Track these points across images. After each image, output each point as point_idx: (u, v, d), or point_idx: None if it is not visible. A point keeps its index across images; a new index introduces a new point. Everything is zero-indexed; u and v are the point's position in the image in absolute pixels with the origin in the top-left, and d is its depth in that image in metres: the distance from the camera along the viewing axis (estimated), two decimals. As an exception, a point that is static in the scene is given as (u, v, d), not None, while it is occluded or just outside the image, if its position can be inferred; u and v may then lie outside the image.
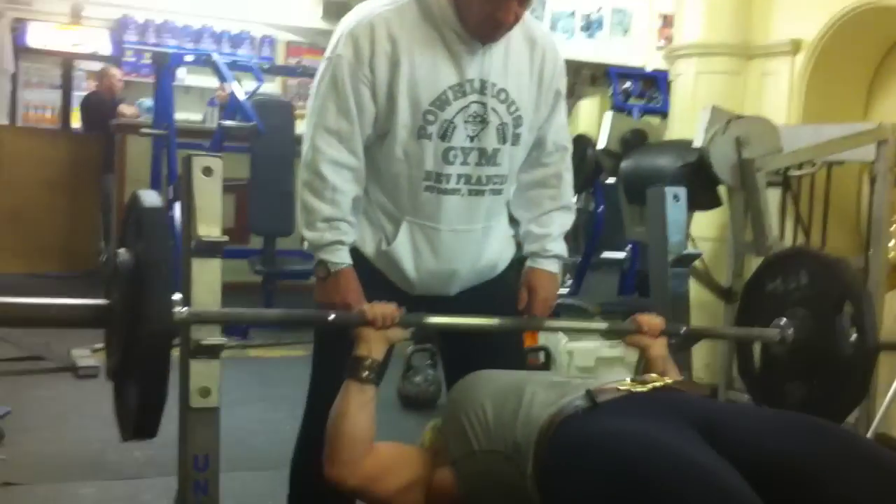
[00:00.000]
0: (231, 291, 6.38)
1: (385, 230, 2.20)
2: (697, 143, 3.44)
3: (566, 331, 2.31)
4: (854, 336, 2.15)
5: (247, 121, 6.27)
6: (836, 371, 2.17)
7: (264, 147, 6.65)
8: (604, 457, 1.45)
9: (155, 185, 6.92)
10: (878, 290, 3.65)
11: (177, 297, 1.77)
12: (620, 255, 5.66)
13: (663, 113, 5.74)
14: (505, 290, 2.35)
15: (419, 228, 2.18)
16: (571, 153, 2.39)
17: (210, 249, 1.94)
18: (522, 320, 2.29)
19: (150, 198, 1.75)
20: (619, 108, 6.99)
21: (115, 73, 8.59)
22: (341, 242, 2.14)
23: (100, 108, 8.21)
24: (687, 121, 4.68)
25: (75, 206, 8.20)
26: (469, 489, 1.83)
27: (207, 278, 1.94)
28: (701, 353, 4.58)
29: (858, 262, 3.80)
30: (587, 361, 4.03)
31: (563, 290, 5.18)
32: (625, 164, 3.92)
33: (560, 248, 2.36)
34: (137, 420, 1.66)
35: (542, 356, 4.17)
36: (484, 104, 2.12)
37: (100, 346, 5.53)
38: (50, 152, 8.15)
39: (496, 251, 2.31)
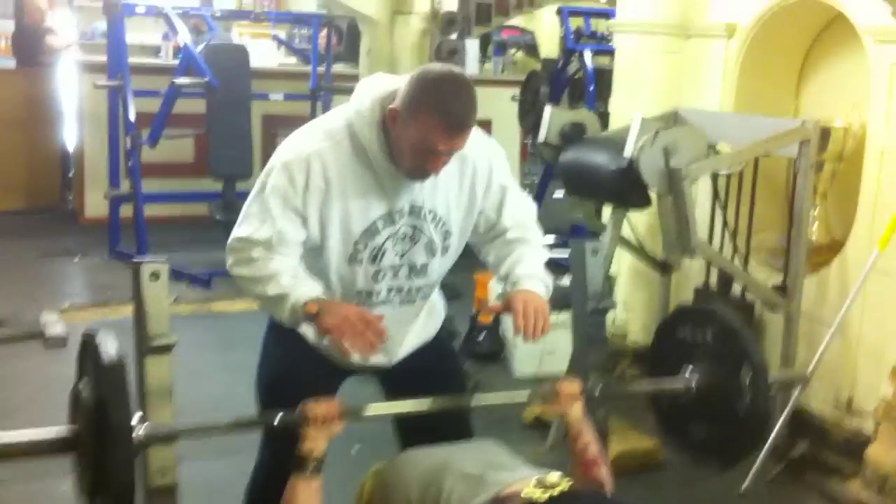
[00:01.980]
0: (193, 224, 6.61)
1: None
2: (627, 153, 3.62)
3: (492, 407, 2.50)
4: (748, 397, 2.39)
5: (201, 75, 6.33)
6: (732, 424, 2.43)
7: (220, 92, 6.70)
8: None
9: (113, 133, 7.02)
10: (799, 273, 3.91)
11: (134, 420, 1.95)
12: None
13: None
14: (441, 346, 2.57)
15: None
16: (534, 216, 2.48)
17: (160, 348, 2.16)
18: (451, 398, 2.41)
19: (107, 350, 1.91)
20: (571, 49, 7.13)
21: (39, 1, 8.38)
22: (304, 280, 2.22)
23: (29, 40, 8.13)
24: (628, 95, 4.86)
25: (34, 144, 8.27)
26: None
27: (159, 373, 2.17)
28: (638, 318, 4.89)
29: (783, 242, 4.06)
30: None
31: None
32: (564, 157, 4.11)
33: (536, 270, 2.38)
34: None
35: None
36: (413, 226, 2.27)
37: (66, 305, 5.76)
38: (4, 91, 8.14)
39: (432, 327, 2.51)
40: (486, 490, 1.98)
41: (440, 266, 2.39)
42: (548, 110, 4.16)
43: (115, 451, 1.84)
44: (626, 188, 3.73)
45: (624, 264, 4.78)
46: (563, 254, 6.61)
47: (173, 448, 2.21)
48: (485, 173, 2.33)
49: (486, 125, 9.04)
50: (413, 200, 2.26)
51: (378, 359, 2.41)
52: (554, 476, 2.02)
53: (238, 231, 2.25)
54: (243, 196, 6.89)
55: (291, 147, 2.22)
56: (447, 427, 2.47)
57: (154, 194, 7.10)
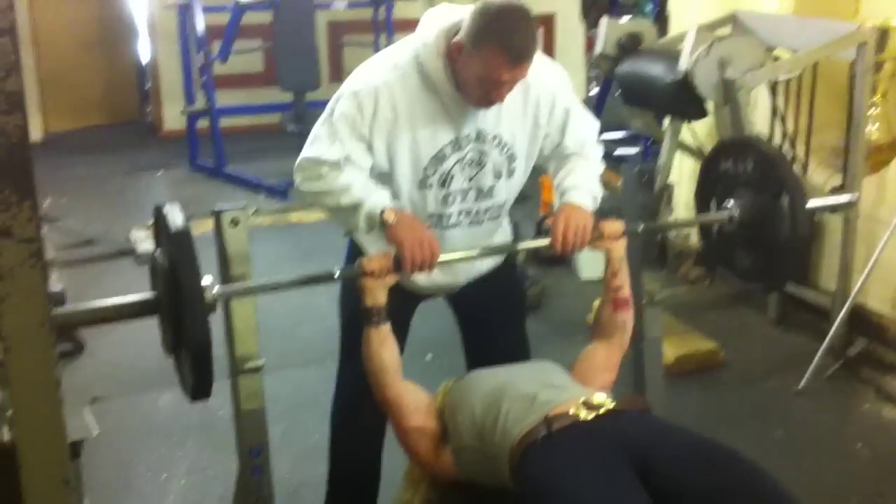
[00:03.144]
0: (266, 134, 6.87)
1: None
2: (682, 66, 3.68)
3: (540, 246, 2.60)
4: (788, 222, 2.48)
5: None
6: (774, 249, 2.55)
7: (284, 5, 6.83)
8: None
9: (184, 48, 7.22)
10: (857, 176, 3.97)
11: (207, 280, 2.10)
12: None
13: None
14: (505, 272, 2.71)
15: None
16: (597, 130, 2.57)
17: (242, 291, 2.37)
18: (496, 246, 2.58)
19: (174, 218, 2.07)
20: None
21: None
22: (376, 189, 2.32)
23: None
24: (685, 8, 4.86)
25: (111, 64, 8.56)
26: (465, 473, 2.34)
27: (243, 312, 2.39)
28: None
29: (844, 143, 4.10)
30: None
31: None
32: (621, 69, 4.18)
33: (584, 180, 2.46)
34: (194, 385, 2.07)
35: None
36: (479, 151, 2.38)
37: (152, 221, 6.05)
38: (81, 13, 8.38)
39: (497, 257, 2.66)
40: (539, 409, 2.18)
41: (507, 188, 2.50)
42: (603, 21, 4.21)
43: (190, 310, 1.97)
44: (683, 100, 3.81)
45: (686, 168, 4.86)
46: (631, 150, 6.77)
47: (260, 375, 2.43)
48: (549, 99, 2.43)
49: (550, 19, 9.04)
50: (479, 127, 2.37)
51: (446, 279, 2.58)
52: (600, 396, 2.21)
53: (307, 151, 2.37)
54: (313, 107, 7.22)
55: (361, 77, 2.33)
56: (507, 346, 2.69)
57: (228, 108, 7.32)
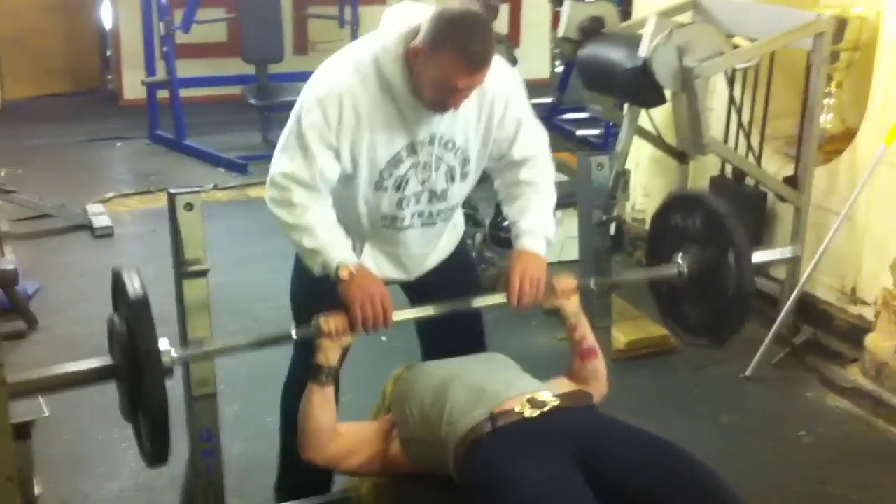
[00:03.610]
0: (227, 105, 6.77)
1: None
2: (642, 53, 3.70)
3: (491, 307, 2.66)
4: (734, 278, 2.55)
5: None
6: (721, 305, 2.62)
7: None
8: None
9: (146, 15, 7.14)
10: (809, 166, 4.03)
11: (164, 344, 2.14)
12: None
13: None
14: (459, 257, 2.74)
15: (380, 251, 2.55)
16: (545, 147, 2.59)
17: (196, 272, 2.38)
18: (456, 301, 2.58)
19: (133, 285, 2.11)
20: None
21: None
22: (344, 242, 2.41)
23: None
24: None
25: (74, 29, 8.43)
26: (415, 462, 2.38)
27: (197, 294, 2.40)
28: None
29: (798, 130, 4.15)
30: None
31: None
32: (583, 53, 4.19)
33: (538, 224, 2.51)
34: (151, 452, 2.15)
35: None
36: (433, 155, 2.41)
37: (110, 194, 6.02)
38: (44, -23, 8.26)
39: (452, 243, 2.69)
40: (485, 404, 2.22)
41: (460, 190, 2.54)
42: (566, 4, 4.22)
43: (146, 377, 2.04)
44: (641, 87, 3.83)
45: (644, 152, 4.91)
46: (594, 130, 6.82)
47: (211, 361, 2.44)
48: (501, 105, 2.46)
49: (517, -1, 9.04)
50: (433, 131, 2.39)
51: (399, 275, 2.62)
52: (545, 394, 2.25)
53: (280, 164, 2.37)
54: (276, 79, 7.12)
55: (324, 82, 2.35)
56: (461, 335, 2.73)
57: (189, 78, 7.26)
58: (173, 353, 2.20)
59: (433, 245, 2.62)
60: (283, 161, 2.36)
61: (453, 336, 2.71)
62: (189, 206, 2.37)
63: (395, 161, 2.38)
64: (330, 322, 2.33)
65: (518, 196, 2.55)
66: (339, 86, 2.31)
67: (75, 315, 4.35)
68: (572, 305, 2.55)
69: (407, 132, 2.36)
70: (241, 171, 6.54)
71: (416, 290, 2.74)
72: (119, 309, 2.20)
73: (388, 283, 2.66)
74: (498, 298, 2.53)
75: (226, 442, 2.58)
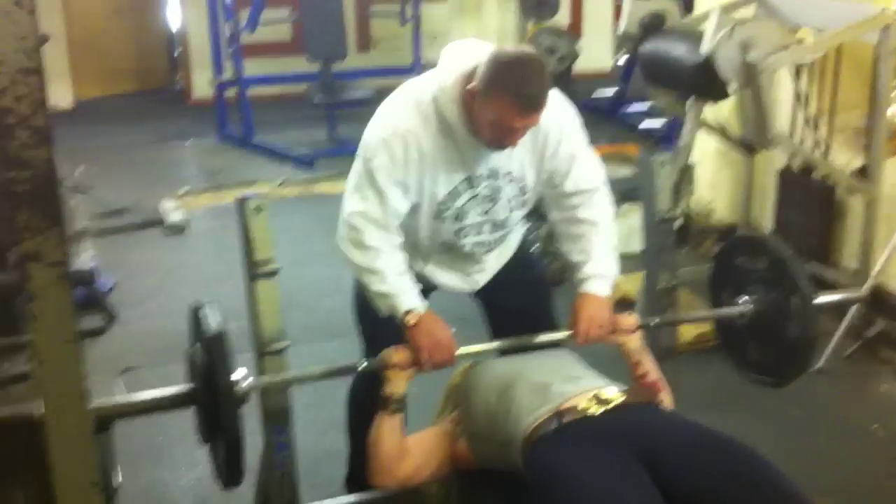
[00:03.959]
0: (293, 103, 6.86)
1: (415, 260, 2.61)
2: (704, 49, 3.70)
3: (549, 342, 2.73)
4: (797, 325, 2.59)
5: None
6: (783, 347, 2.66)
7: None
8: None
9: (213, 16, 7.28)
10: (880, 159, 3.99)
11: (240, 373, 2.25)
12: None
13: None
14: (521, 256, 2.79)
15: (443, 268, 2.65)
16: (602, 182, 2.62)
17: (267, 273, 2.45)
18: (520, 338, 2.62)
19: (212, 321, 2.22)
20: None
21: None
22: (412, 289, 2.46)
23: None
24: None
25: (140, 30, 8.63)
26: (481, 459, 2.42)
27: (268, 295, 2.47)
28: (723, 196, 5.01)
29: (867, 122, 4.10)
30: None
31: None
32: (643, 49, 4.19)
33: (602, 267, 2.56)
34: (227, 476, 2.25)
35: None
36: (493, 187, 2.48)
37: (183, 190, 6.16)
38: (111, -20, 8.46)
39: (512, 248, 2.74)
40: (551, 401, 2.25)
41: (519, 215, 2.62)
42: (627, 1, 4.22)
43: (224, 410, 2.17)
44: (704, 82, 3.83)
45: (709, 146, 4.88)
46: (657, 122, 6.83)
47: (285, 355, 2.51)
48: (556, 138, 2.50)
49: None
50: (491, 165, 2.47)
51: (465, 286, 2.72)
52: (610, 391, 2.27)
53: (352, 204, 2.45)
54: (340, 77, 7.21)
55: (388, 124, 2.42)
56: (533, 318, 2.77)
57: (255, 77, 7.39)
58: (248, 383, 2.29)
59: (495, 262, 2.71)
60: (355, 201, 2.44)
61: (525, 317, 2.76)
62: (258, 209, 2.44)
63: (454, 194, 2.47)
64: (398, 354, 2.41)
65: (579, 237, 2.60)
66: (403, 126, 2.39)
67: (151, 310, 4.47)
68: (634, 342, 2.59)
69: (465, 167, 2.44)
70: (308, 167, 6.64)
71: (484, 296, 2.81)
72: (199, 341, 2.30)
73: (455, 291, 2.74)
74: (563, 335, 2.61)
75: (298, 433, 2.65)
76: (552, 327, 2.84)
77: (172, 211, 5.70)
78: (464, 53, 2.39)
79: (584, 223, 2.59)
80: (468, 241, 2.56)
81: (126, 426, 3.05)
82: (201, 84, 7.99)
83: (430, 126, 2.39)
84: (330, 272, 4.81)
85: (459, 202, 2.48)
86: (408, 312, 2.42)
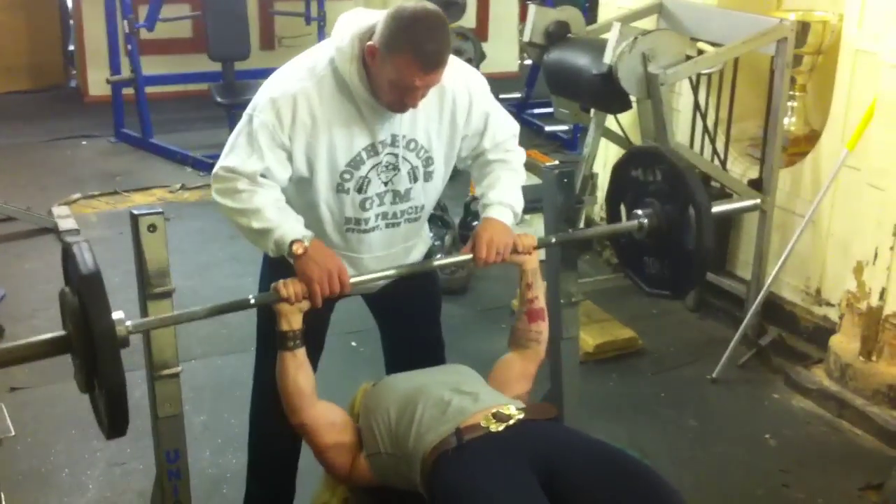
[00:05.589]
0: (194, 102, 6.68)
1: None
2: (606, 60, 3.72)
3: (450, 265, 2.64)
4: (693, 233, 2.57)
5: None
6: (680, 259, 2.65)
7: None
8: None
9: (110, 11, 7.06)
10: (773, 170, 4.07)
11: (118, 314, 2.09)
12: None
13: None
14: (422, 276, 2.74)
15: (344, 257, 2.47)
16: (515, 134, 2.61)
17: (162, 294, 2.37)
18: (415, 264, 2.61)
19: (85, 259, 2.06)
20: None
21: None
22: (295, 219, 2.37)
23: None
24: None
25: (35, 25, 8.32)
26: (381, 477, 2.39)
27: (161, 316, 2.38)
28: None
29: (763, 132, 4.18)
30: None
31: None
32: (548, 57, 4.20)
33: (506, 196, 2.53)
34: (109, 423, 2.10)
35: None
36: (395, 154, 2.40)
37: (76, 196, 5.96)
38: (1, -29, 8.15)
39: (416, 255, 2.67)
40: (452, 418, 2.23)
41: (424, 192, 2.52)
42: (531, 9, 4.22)
43: (103, 353, 2.01)
44: (607, 94, 3.86)
45: (611, 154, 4.92)
46: (563, 126, 6.86)
47: (177, 381, 2.43)
48: (465, 102, 2.46)
49: (485, -12, 9.04)
50: (394, 131, 2.39)
51: (366, 286, 2.59)
52: (510, 408, 2.27)
53: (225, 160, 2.35)
54: (242, 76, 7.05)
55: (278, 84, 2.33)
56: (424, 343, 2.79)
57: (154, 76, 7.20)
58: (128, 323, 2.16)
59: (399, 247, 2.60)
60: (229, 156, 2.34)
61: (415, 343, 2.77)
62: (153, 228, 2.34)
63: (356, 162, 2.38)
64: (289, 287, 2.30)
65: (488, 173, 2.58)
66: (294, 87, 2.30)
67: (42, 323, 4.30)
68: (532, 262, 2.59)
69: (367, 133, 2.36)
70: (208, 170, 6.43)
71: (379, 303, 2.75)
72: (71, 282, 2.15)
73: (354, 293, 2.67)
74: (464, 258, 2.55)
75: (193, 454, 2.58)
76: (441, 346, 2.85)
77: (65, 217, 5.51)
78: (358, 18, 2.32)
79: (495, 162, 2.58)
80: (370, 214, 2.46)
81: (10, 450, 2.95)
82: (98, 82, 7.72)
83: (325, 88, 2.31)
84: (231, 281, 4.72)
85: (362, 170, 2.39)
86: (293, 242, 2.30)
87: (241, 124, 2.37)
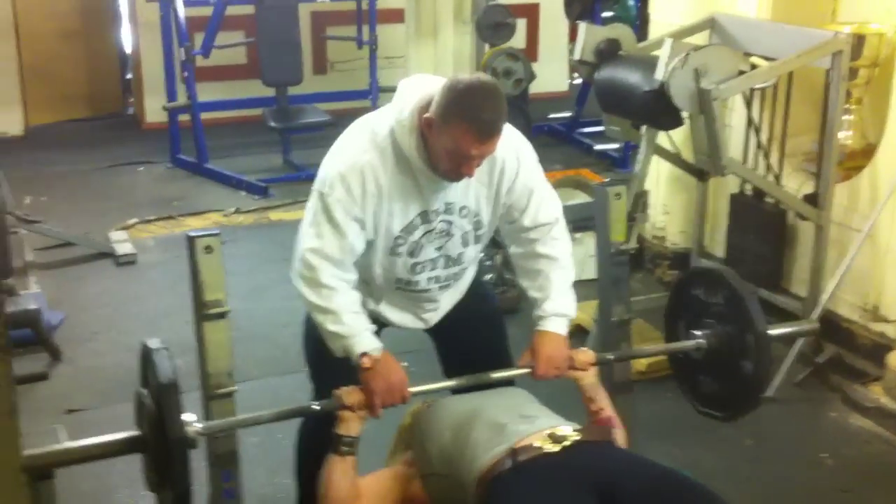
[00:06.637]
0: (248, 127, 6.71)
1: (367, 298, 2.58)
2: (658, 76, 3.70)
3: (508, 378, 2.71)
4: (751, 361, 2.62)
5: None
6: (736, 382, 2.68)
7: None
8: None
9: (166, 41, 7.19)
10: (830, 185, 4.01)
11: (188, 417, 2.20)
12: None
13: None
14: (476, 289, 2.77)
15: (397, 306, 2.61)
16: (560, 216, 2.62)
17: (217, 315, 2.40)
18: (476, 376, 2.62)
19: (163, 367, 2.18)
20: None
21: None
22: (367, 329, 2.43)
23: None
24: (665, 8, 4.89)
25: (93, 54, 8.51)
26: (437, 500, 2.39)
27: (217, 337, 2.42)
28: (677, 221, 5.03)
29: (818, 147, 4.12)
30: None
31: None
32: (599, 75, 4.19)
33: (561, 305, 2.58)
34: None
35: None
36: (449, 221, 2.47)
37: (133, 221, 6.06)
38: (61, 4, 8.32)
39: (466, 285, 2.71)
40: (507, 440, 2.23)
41: (474, 252, 2.60)
42: (582, 27, 4.22)
43: (174, 459, 2.12)
44: (658, 110, 3.83)
45: (663, 170, 4.89)
46: (613, 144, 6.84)
47: (233, 399, 2.45)
48: (512, 172, 2.49)
49: (534, 9, 9.04)
50: (448, 199, 2.46)
51: (418, 325, 2.69)
52: (566, 429, 2.26)
53: (309, 242, 2.41)
54: (295, 100, 7.14)
55: (344, 158, 2.40)
56: (486, 353, 2.76)
57: (209, 102, 7.31)
58: (198, 426, 2.24)
59: (449, 300, 2.67)
60: (310, 238, 2.41)
61: (477, 355, 2.75)
62: (209, 249, 2.39)
63: (410, 229, 2.45)
64: (352, 396, 2.38)
65: (537, 273, 2.60)
66: (361, 160, 2.37)
67: (100, 346, 4.38)
68: (589, 377, 2.60)
69: (421, 201, 2.43)
70: (262, 194, 6.57)
71: (435, 328, 2.77)
72: (148, 385, 2.24)
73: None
74: (520, 372, 2.63)
75: (246, 475, 2.59)
76: (506, 362, 2.83)
77: (123, 242, 5.60)
78: (419, 86, 2.37)
79: (543, 258, 2.59)
80: (423, 277, 2.53)
81: (69, 470, 2.99)
82: (154, 109, 7.87)
83: (387, 159, 2.37)
84: (285, 303, 4.73)
85: (415, 236, 2.46)
86: (363, 355, 2.38)
87: (314, 202, 2.44)
